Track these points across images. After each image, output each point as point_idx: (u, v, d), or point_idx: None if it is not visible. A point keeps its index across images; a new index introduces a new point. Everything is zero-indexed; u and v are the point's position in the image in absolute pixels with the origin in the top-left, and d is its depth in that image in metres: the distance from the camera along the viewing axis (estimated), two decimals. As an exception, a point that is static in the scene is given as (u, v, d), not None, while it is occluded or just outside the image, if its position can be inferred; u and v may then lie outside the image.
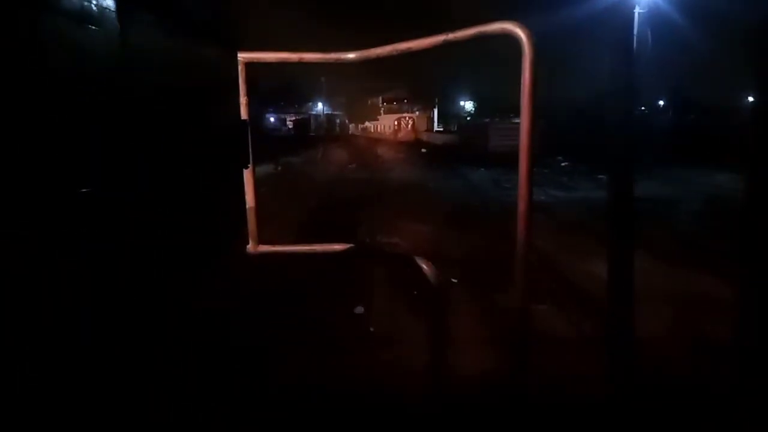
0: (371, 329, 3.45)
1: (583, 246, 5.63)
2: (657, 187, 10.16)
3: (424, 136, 37.18)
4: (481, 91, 52.60)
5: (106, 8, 0.97)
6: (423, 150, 24.98)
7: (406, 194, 10.02)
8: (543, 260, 5.11)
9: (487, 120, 24.75)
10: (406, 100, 51.49)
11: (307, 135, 40.97)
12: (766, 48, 1.32)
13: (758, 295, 1.28)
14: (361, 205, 8.30)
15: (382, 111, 54.65)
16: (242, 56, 1.70)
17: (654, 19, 21.71)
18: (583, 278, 4.44)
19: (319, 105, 57.22)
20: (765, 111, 1.28)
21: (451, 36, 1.46)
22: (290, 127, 47.36)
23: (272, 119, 47.36)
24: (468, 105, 55.01)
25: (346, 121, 61.88)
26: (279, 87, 45.42)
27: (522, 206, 1.39)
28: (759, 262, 1.26)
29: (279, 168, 14.84)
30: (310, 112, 55.17)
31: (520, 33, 1.33)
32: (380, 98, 55.39)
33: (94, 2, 0.94)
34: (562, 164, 15.87)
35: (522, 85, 1.35)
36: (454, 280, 4.38)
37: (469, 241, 5.99)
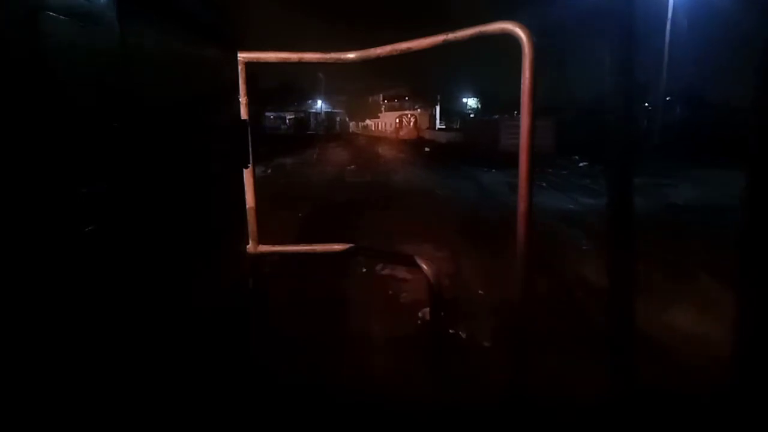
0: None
1: (645, 278, 3.83)
2: (692, 192, 9.08)
3: (427, 134, 36.99)
4: (484, 87, 52.19)
5: (106, 8, 0.97)
6: (426, 149, 24.32)
7: (410, 202, 8.58)
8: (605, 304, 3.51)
9: (497, 117, 23.74)
10: (407, 98, 51.11)
11: (305, 134, 40.67)
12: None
13: (759, 297, 1.28)
14: (359, 218, 6.79)
15: (383, 108, 54.42)
16: (242, 56, 1.70)
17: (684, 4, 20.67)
18: (663, 331, 3.01)
19: (319, 103, 57.03)
20: (764, 110, 1.28)
21: (450, 36, 1.46)
22: (289, 125, 47.09)
23: (271, 117, 47.12)
24: (471, 102, 54.67)
25: (347, 119, 61.69)
26: (279, 85, 45.19)
27: (522, 206, 1.39)
28: (760, 264, 1.26)
29: (268, 171, 13.29)
30: (309, 110, 54.89)
31: (520, 33, 1.33)
32: (381, 96, 55.16)
33: (94, 2, 0.94)
34: (580, 164, 14.96)
35: (522, 85, 1.35)
36: (486, 344, 2.94)
37: (494, 270, 4.38)
